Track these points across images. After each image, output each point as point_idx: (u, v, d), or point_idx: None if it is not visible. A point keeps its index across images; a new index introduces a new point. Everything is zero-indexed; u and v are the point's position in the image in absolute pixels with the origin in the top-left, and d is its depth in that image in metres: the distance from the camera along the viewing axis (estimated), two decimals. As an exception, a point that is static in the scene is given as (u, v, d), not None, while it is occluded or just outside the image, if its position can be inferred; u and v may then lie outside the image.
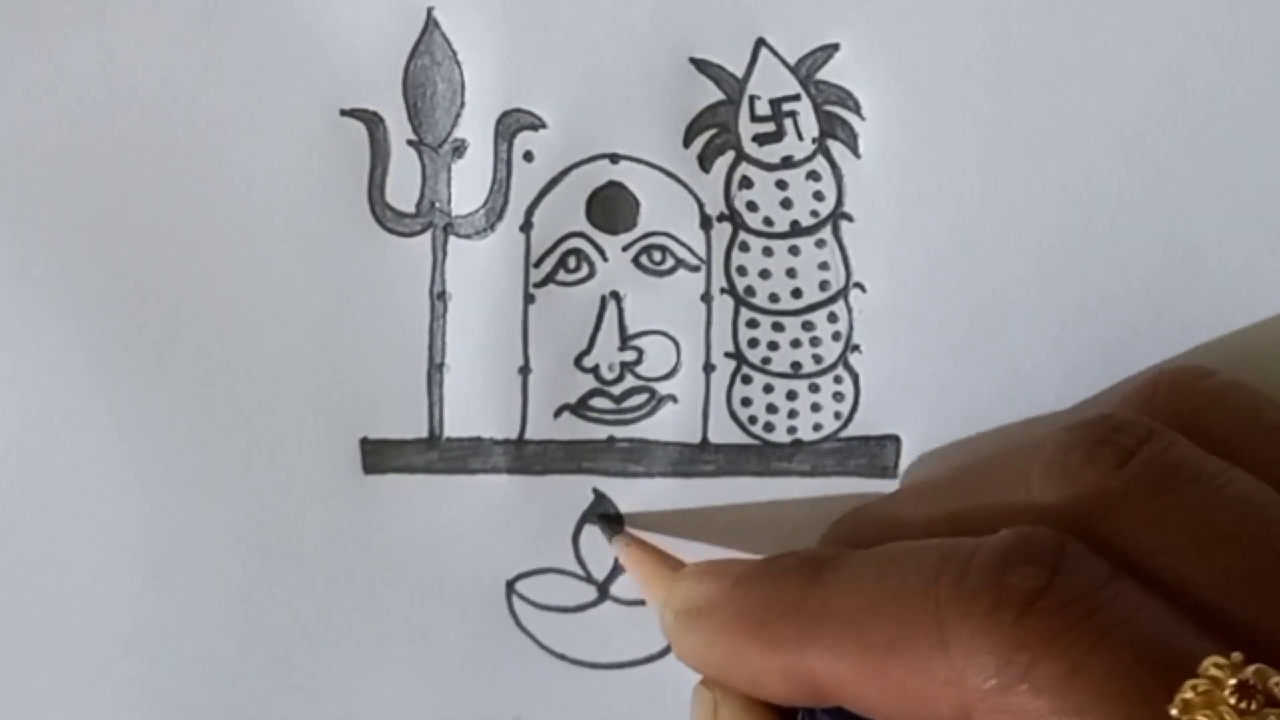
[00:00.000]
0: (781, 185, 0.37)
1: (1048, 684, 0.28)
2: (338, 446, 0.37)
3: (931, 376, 0.37)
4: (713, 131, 0.37)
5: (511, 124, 0.37)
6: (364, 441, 0.37)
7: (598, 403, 0.38)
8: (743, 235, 0.37)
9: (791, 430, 0.37)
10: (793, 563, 0.33)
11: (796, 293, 0.37)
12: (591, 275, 0.37)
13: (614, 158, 0.37)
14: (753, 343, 0.37)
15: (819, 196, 0.37)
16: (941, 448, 0.37)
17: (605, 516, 0.37)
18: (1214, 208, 0.36)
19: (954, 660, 0.29)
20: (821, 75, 0.37)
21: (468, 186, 0.37)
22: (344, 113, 0.37)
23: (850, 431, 0.37)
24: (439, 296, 0.37)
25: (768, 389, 0.37)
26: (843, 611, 0.31)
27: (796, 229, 0.37)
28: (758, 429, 0.38)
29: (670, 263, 0.37)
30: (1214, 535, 0.30)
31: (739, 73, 0.37)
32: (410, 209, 0.37)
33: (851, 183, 0.37)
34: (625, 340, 0.37)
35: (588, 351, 0.37)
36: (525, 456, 0.38)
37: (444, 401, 0.37)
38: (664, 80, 0.37)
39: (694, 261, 0.37)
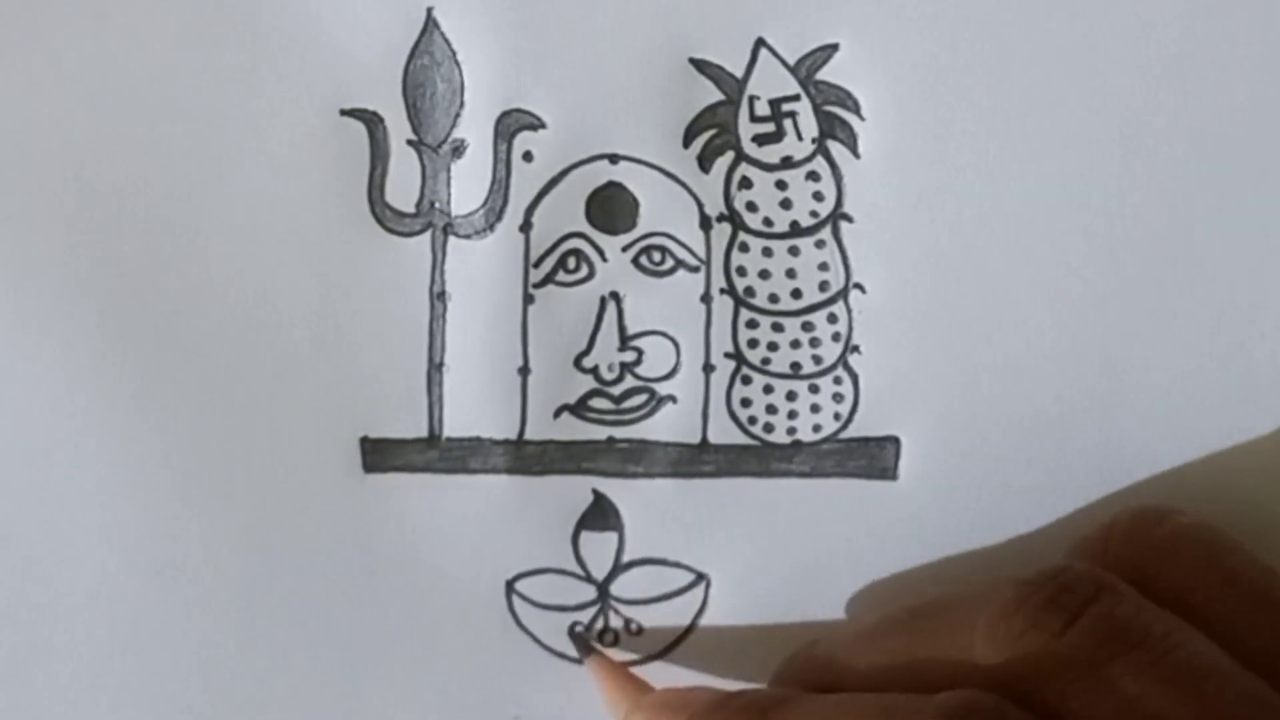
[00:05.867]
0: (781, 185, 0.37)
1: None
2: (338, 445, 0.37)
3: (931, 377, 0.37)
4: (712, 132, 0.37)
5: (511, 124, 0.37)
6: (364, 440, 0.37)
7: (597, 403, 0.38)
8: (742, 236, 0.37)
9: (791, 431, 0.37)
10: (743, 705, 0.34)
11: (796, 293, 0.37)
12: (591, 276, 0.37)
13: (614, 158, 0.37)
14: (752, 343, 0.37)
15: (819, 197, 0.37)
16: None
17: (579, 637, 0.38)
18: (1214, 208, 0.36)
19: None
20: (821, 75, 0.37)
21: (467, 186, 0.37)
22: (344, 112, 0.37)
23: (850, 433, 0.37)
24: (439, 296, 0.37)
25: (767, 390, 0.37)
26: None
27: (796, 229, 0.37)
28: (757, 430, 0.37)
29: (670, 263, 0.37)
30: (1152, 709, 0.30)
31: (739, 73, 0.37)
32: (410, 209, 0.37)
33: (851, 183, 0.37)
34: (625, 341, 0.37)
35: (587, 352, 0.37)
36: (525, 457, 0.38)
37: (444, 401, 0.37)
38: (664, 80, 0.37)
39: (693, 262, 0.37)
